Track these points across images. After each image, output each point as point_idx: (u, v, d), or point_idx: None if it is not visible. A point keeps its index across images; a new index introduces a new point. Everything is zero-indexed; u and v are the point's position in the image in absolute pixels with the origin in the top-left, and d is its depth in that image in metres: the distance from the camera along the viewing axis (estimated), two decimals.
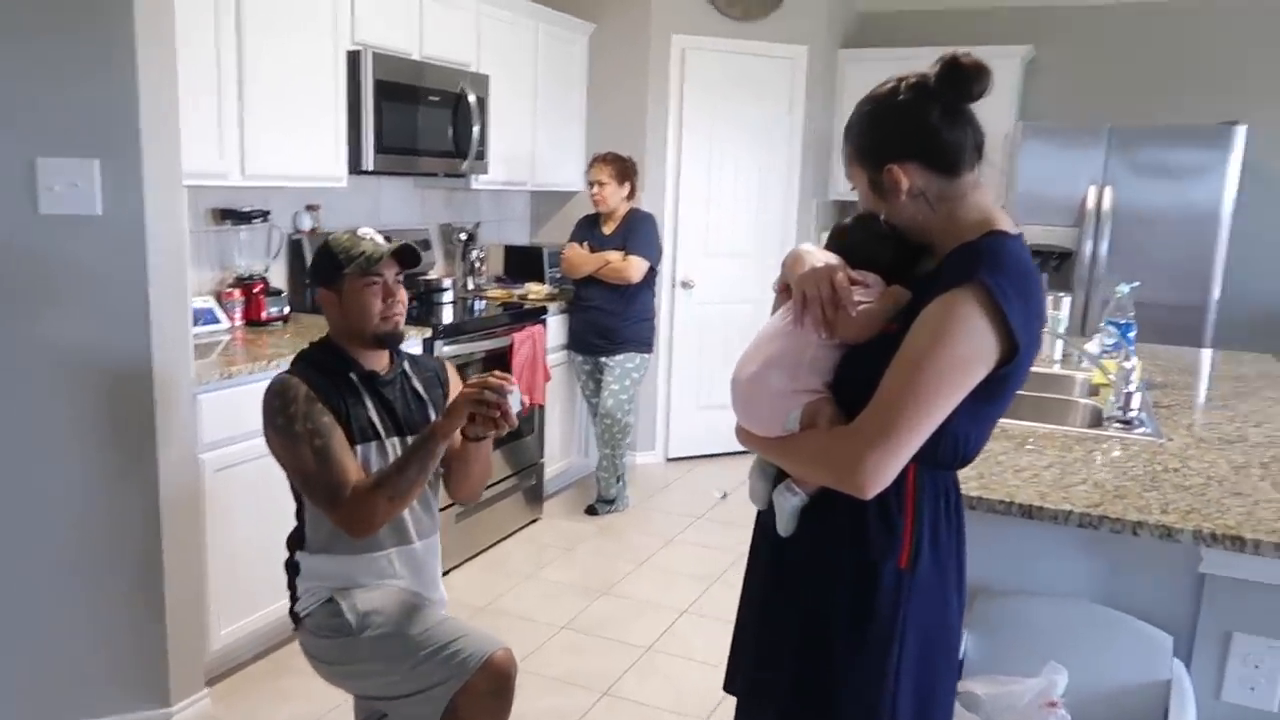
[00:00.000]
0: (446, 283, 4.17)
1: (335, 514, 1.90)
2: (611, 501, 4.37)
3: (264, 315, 3.40)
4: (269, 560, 2.33)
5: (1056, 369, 3.13)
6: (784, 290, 1.53)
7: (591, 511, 4.37)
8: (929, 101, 1.36)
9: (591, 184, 4.08)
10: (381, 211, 4.19)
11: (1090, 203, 4.59)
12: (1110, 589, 1.83)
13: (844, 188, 5.43)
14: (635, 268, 4.04)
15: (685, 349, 5.16)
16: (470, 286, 4.50)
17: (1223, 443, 2.24)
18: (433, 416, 2.11)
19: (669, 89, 4.94)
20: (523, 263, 4.82)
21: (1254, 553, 1.61)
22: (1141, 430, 2.32)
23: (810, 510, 1.46)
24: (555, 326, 4.33)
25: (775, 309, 1.56)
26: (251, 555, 2.79)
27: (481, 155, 4.09)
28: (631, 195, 4.17)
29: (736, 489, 4.70)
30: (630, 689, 2.93)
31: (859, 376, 1.38)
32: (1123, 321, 2.89)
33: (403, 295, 2.06)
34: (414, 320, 3.67)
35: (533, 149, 4.63)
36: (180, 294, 2.51)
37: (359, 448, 1.97)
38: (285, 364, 2.32)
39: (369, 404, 2.02)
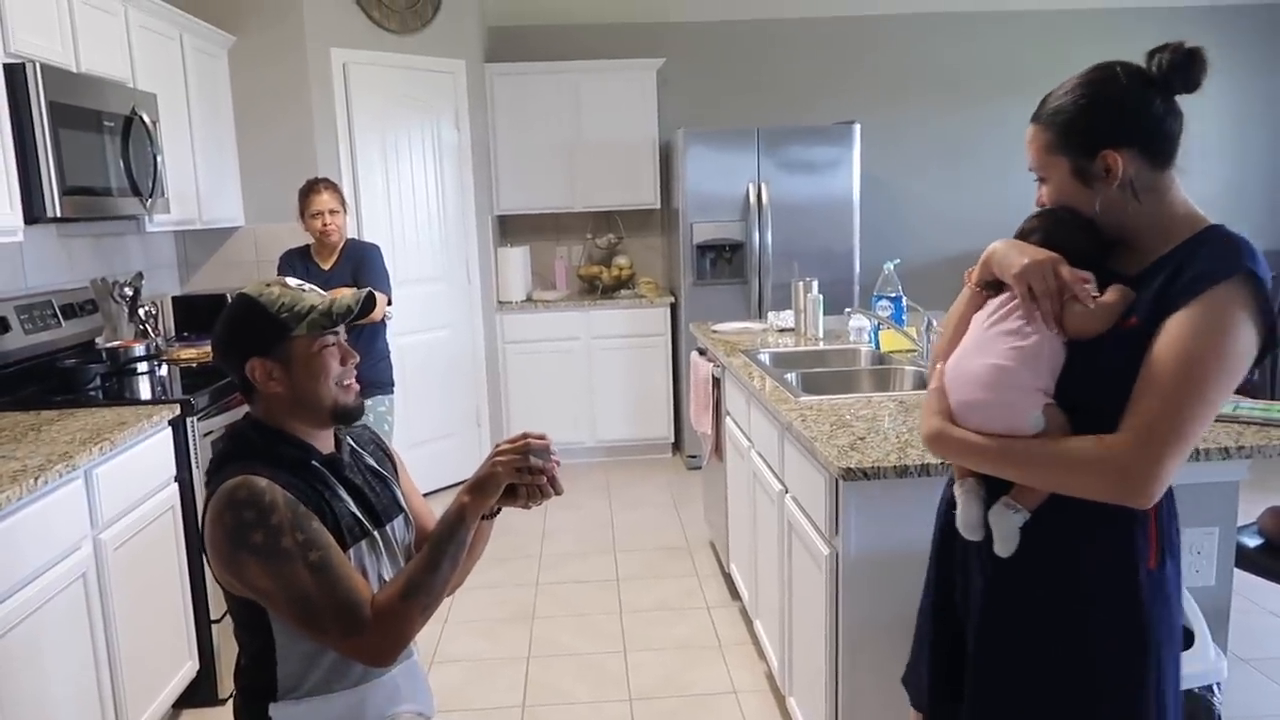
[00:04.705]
0: (139, 349, 3.39)
1: (354, 642, 1.49)
2: None
3: None
4: None
5: (839, 345, 3.45)
6: (981, 287, 1.49)
7: None
8: (1152, 89, 1.34)
9: (316, 214, 3.56)
10: (28, 270, 3.26)
11: (752, 198, 5.09)
12: None
13: (509, 203, 5.41)
14: (380, 305, 3.62)
15: None
16: (149, 351, 3.69)
17: None
18: (399, 496, 1.75)
19: (335, 106, 4.50)
20: (198, 317, 4.06)
21: (1204, 460, 1.98)
22: None
23: (1033, 526, 1.40)
24: None
25: (970, 305, 1.50)
26: None
27: (164, 191, 3.38)
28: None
29: None
30: None
31: (1092, 375, 1.34)
32: (893, 295, 3.28)
33: (356, 357, 1.69)
34: (114, 398, 2.95)
35: (196, 182, 3.92)
36: None
37: (350, 551, 1.57)
38: None
39: (343, 495, 1.62)
